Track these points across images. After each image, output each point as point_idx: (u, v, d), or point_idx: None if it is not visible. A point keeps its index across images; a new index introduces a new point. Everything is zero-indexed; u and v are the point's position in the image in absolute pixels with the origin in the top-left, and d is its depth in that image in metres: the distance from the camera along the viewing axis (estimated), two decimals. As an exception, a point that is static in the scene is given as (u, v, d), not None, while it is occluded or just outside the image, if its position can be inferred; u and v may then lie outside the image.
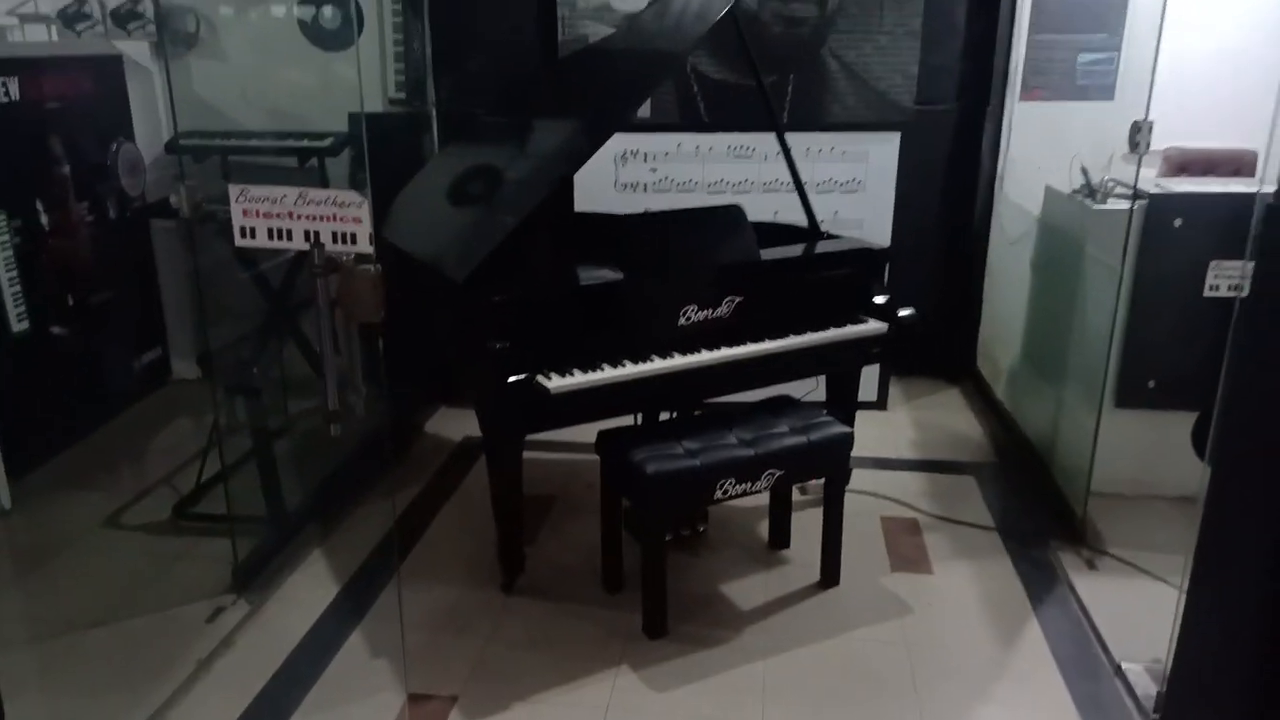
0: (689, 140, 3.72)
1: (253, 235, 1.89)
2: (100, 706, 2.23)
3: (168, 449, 3.59)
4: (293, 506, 3.08)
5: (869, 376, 4.01)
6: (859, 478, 3.38)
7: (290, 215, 1.82)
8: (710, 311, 2.66)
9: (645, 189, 3.77)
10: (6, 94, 3.16)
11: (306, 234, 1.84)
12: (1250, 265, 1.77)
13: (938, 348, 4.40)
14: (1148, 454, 3.17)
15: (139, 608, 2.59)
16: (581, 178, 3.75)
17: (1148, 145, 2.72)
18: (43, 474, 3.33)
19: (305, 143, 3.80)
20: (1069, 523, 3.01)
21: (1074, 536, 2.97)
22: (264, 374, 3.82)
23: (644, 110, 3.78)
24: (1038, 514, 3.16)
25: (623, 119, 2.60)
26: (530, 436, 3.46)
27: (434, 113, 4.00)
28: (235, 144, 3.82)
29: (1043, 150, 3.78)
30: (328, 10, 3.90)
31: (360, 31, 3.91)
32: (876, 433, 3.84)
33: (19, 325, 3.13)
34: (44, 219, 3.31)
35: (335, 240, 1.86)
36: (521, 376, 2.35)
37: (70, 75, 3.48)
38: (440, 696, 2.26)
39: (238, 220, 1.88)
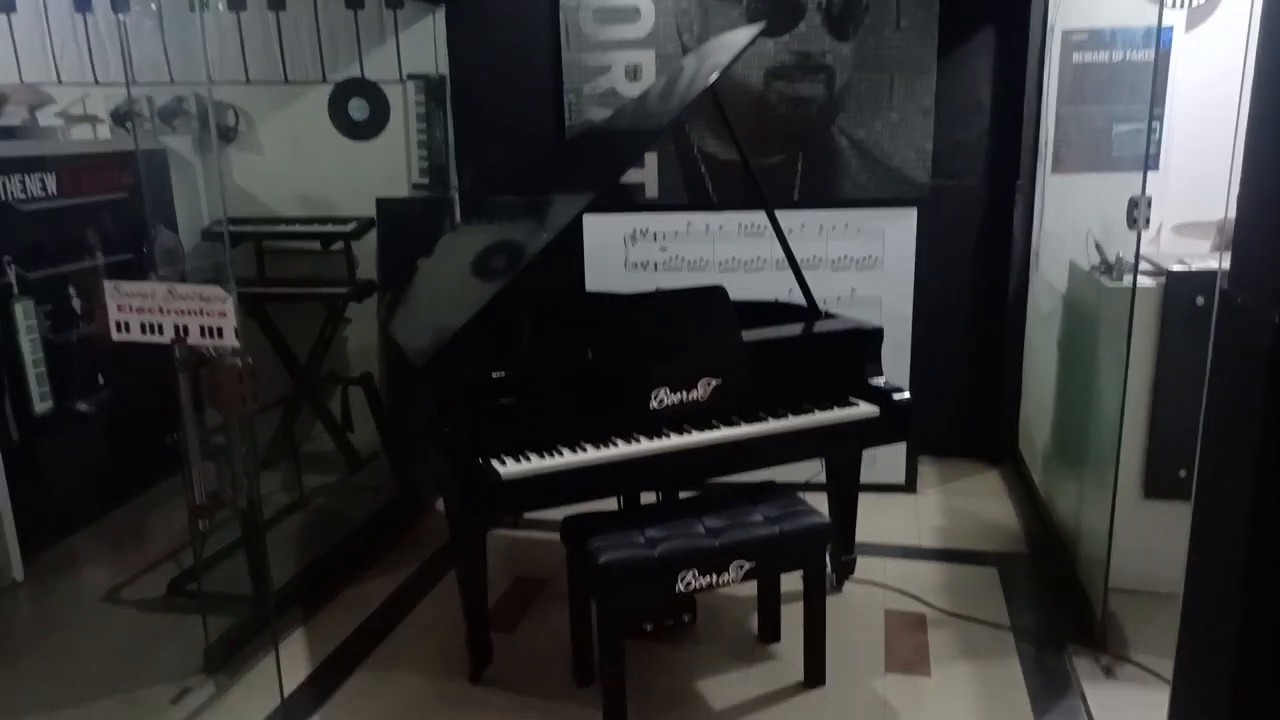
0: (698, 219, 3.70)
1: (127, 330, 1.94)
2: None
3: (184, 526, 3.68)
4: (283, 586, 3.09)
5: (896, 457, 3.84)
6: (870, 566, 3.20)
7: (160, 310, 1.86)
8: (685, 394, 2.59)
9: (656, 268, 3.75)
10: (44, 189, 3.38)
11: (176, 328, 1.87)
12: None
13: (975, 428, 4.20)
14: (1181, 549, 2.90)
15: (113, 686, 2.61)
16: (592, 257, 3.78)
17: (1146, 221, 2.55)
18: (61, 548, 3.45)
19: (330, 227, 3.95)
20: (1089, 624, 2.77)
21: (1093, 639, 2.72)
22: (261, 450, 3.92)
23: (652, 190, 3.79)
24: (1058, 613, 2.92)
25: (589, 199, 2.59)
26: (529, 515, 3.47)
27: (456, 196, 4.10)
28: (265, 230, 4.00)
29: (1077, 225, 3.61)
30: (356, 102, 4.08)
31: (386, 122, 4.08)
32: (898, 518, 3.65)
33: (42, 405, 3.28)
34: (75, 304, 3.49)
35: (203, 334, 1.88)
36: (476, 461, 2.32)
37: (111, 169, 3.71)
38: (379, 793, 2.19)
39: (113, 315, 1.93)
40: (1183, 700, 1.74)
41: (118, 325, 1.93)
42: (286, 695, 2.56)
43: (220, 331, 1.83)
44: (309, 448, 4.23)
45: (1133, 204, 2.55)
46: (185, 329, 1.86)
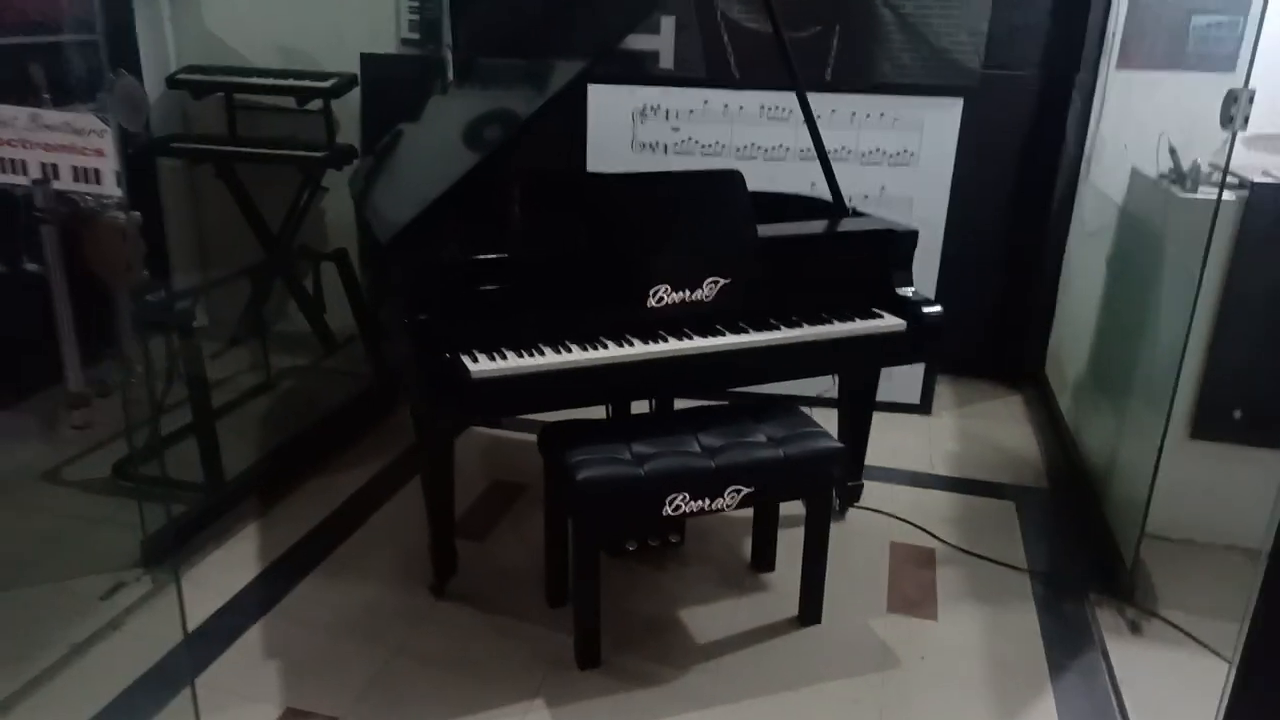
0: (717, 97, 3.30)
1: (-17, 165, 1.60)
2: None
3: (141, 399, 3.42)
4: (240, 474, 2.85)
5: (912, 376, 3.55)
6: (879, 492, 2.95)
7: (24, 144, 1.52)
8: (688, 294, 2.27)
9: (666, 150, 3.37)
10: (-22, 16, 2.97)
11: (43, 166, 1.53)
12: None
13: (999, 347, 3.89)
14: (1227, 496, 2.64)
15: (41, 574, 2.39)
16: (596, 134, 3.40)
17: (1245, 120, 2.18)
18: (8, 416, 3.19)
19: (306, 82, 3.54)
20: (1116, 572, 2.52)
21: (1119, 590, 2.47)
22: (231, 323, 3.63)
23: (666, 61, 3.37)
24: (1082, 558, 2.67)
25: (586, 64, 2.22)
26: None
27: (449, 56, 3.68)
28: (236, 81, 3.60)
29: (1144, 128, 3.21)
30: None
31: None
32: (912, 441, 3.38)
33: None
34: (19, 151, 3.13)
35: (76, 177, 1.54)
36: (444, 355, 2.02)
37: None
38: (319, 715, 1.97)
39: (-36, 147, 1.59)
40: (1253, 677, 1.48)
41: (-27, 160, 1.59)
42: (228, 599, 2.34)
43: (98, 175, 1.50)
44: (282, 326, 3.94)
45: (1230, 99, 2.16)
46: (55, 169, 1.52)
